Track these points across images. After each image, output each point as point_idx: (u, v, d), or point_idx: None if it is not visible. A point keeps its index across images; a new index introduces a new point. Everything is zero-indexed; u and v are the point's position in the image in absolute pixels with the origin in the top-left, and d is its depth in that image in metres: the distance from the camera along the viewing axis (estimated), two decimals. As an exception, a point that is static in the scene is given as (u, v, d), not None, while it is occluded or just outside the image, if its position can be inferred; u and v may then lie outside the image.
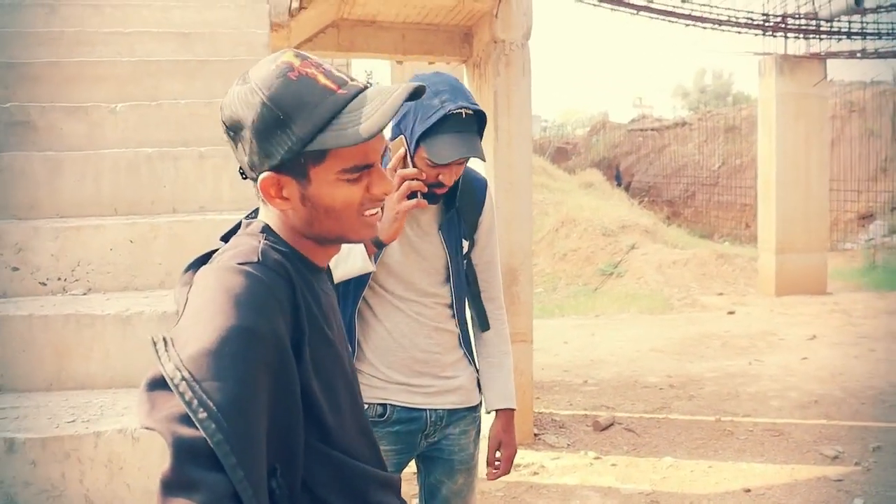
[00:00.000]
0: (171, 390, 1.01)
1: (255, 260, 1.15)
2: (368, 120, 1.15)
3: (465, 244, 2.37)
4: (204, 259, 1.28)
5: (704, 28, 10.88)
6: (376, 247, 2.11)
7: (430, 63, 6.59)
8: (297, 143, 1.15)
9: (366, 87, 1.22)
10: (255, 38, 4.10)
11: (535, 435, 5.73)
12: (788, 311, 10.77)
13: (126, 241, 2.62)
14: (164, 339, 1.07)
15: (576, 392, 6.95)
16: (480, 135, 2.15)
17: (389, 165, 2.11)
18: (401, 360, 2.26)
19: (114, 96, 3.54)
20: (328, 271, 1.48)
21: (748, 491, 4.66)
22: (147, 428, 1.02)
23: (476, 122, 2.12)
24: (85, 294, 2.57)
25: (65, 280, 2.61)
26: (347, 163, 1.19)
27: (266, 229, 1.25)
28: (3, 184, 2.92)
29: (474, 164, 2.41)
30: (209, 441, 0.97)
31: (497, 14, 5.41)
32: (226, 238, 1.33)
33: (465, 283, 2.39)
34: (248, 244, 1.20)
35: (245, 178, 1.27)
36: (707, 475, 4.92)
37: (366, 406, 2.22)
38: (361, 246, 2.08)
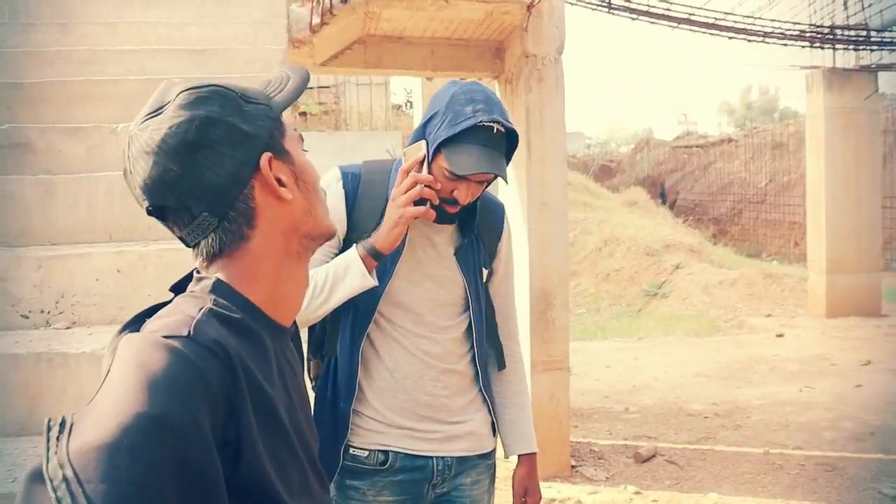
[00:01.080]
0: None
1: (185, 334, 0.92)
2: (292, 77, 1.15)
3: (485, 272, 2.13)
4: (149, 314, 1.05)
5: (749, 41, 10.53)
6: (374, 258, 1.88)
7: (462, 80, 6.38)
8: (268, 110, 1.08)
9: None
10: (270, 55, 3.94)
11: (573, 467, 5.44)
12: (840, 333, 10.32)
13: (113, 271, 2.44)
14: (62, 424, 0.84)
15: (616, 420, 6.66)
16: (508, 159, 1.93)
17: (403, 167, 1.90)
18: (402, 402, 2.02)
19: (119, 116, 3.38)
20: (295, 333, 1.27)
21: (799, 532, 4.34)
22: None
23: (506, 143, 1.90)
24: (69, 328, 2.38)
25: (48, 313, 2.43)
26: (289, 127, 1.14)
27: (218, 287, 1.04)
28: (-8, 209, 2.76)
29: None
30: None
31: (527, 27, 5.18)
32: (177, 288, 1.11)
33: (484, 315, 2.15)
34: (184, 312, 0.98)
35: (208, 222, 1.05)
36: (755, 514, 4.61)
37: (366, 453, 2.01)
38: (358, 260, 1.85)
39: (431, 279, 2.03)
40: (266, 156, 1.05)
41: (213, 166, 1.01)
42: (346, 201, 2.00)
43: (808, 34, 11.14)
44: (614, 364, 8.90)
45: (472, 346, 2.11)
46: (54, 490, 0.77)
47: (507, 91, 5.75)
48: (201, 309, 0.98)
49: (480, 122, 1.82)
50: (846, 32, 11.16)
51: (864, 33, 11.06)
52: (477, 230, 2.08)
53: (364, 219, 1.97)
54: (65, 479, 0.77)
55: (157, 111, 1.02)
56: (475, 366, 2.12)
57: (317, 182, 1.15)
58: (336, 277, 1.85)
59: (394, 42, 5.79)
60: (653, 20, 8.99)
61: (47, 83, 3.54)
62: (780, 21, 10.97)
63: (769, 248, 20.15)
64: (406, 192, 1.86)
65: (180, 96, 1.02)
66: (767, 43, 10.65)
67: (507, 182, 1.89)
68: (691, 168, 27.04)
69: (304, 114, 17.03)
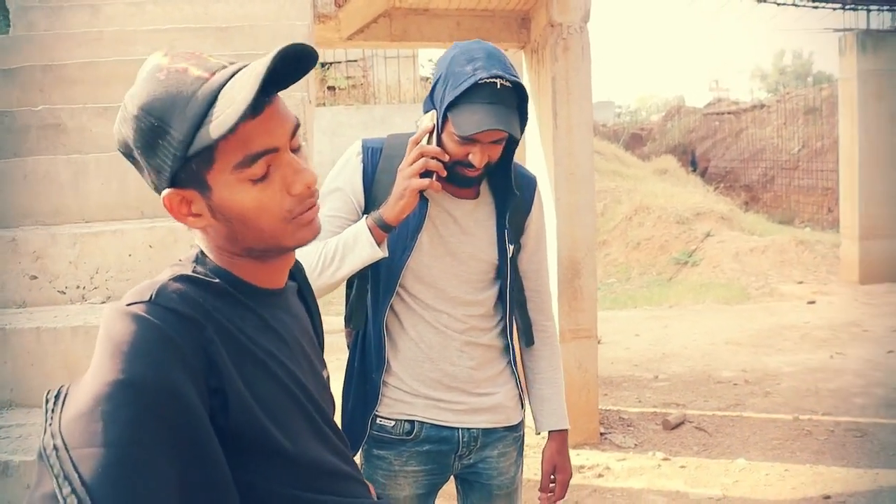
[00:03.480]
0: None
1: (147, 299, 0.99)
2: (236, 101, 0.99)
3: (510, 248, 2.12)
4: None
5: (780, 4, 10.39)
6: (382, 230, 1.88)
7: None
8: (179, 147, 1.01)
9: (243, 67, 1.06)
10: (295, 31, 3.96)
11: (601, 434, 5.49)
12: (873, 300, 10.22)
13: (145, 246, 2.51)
14: (58, 396, 0.93)
15: (645, 388, 6.69)
16: (522, 113, 1.89)
17: (412, 139, 1.91)
18: (428, 372, 2.04)
19: (148, 95, 3.44)
20: (304, 288, 1.32)
21: (827, 498, 4.35)
22: None
23: (515, 97, 1.86)
24: (104, 302, 2.46)
25: (84, 288, 2.51)
26: (237, 155, 1.03)
27: (200, 258, 1.13)
28: (27, 189, 2.84)
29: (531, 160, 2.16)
30: None
31: (552, -3, 5.17)
32: None
33: (512, 290, 2.15)
34: (157, 279, 1.05)
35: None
36: (783, 479, 4.62)
37: (392, 423, 2.04)
38: (366, 231, 1.87)
39: (453, 255, 2.03)
40: (166, 193, 1.06)
41: (142, 171, 1.09)
42: (364, 176, 2.03)
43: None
44: (644, 332, 8.91)
45: (501, 319, 2.13)
46: (47, 458, 0.86)
47: (533, 61, 5.75)
48: (172, 275, 1.05)
49: (480, 79, 1.78)
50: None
51: (898, -6, 10.87)
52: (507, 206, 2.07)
53: (383, 192, 1.97)
54: (55, 447, 0.86)
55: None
56: (505, 339, 2.14)
57: (253, 217, 1.07)
58: (346, 248, 1.88)
59: (419, 14, 5.79)
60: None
61: (78, 64, 3.60)
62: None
63: (802, 215, 19.92)
64: (412, 163, 1.86)
65: (123, 106, 1.06)
66: (798, 6, 10.50)
67: (517, 137, 1.87)
68: (723, 135, 26.74)
69: (332, 88, 17.01)
